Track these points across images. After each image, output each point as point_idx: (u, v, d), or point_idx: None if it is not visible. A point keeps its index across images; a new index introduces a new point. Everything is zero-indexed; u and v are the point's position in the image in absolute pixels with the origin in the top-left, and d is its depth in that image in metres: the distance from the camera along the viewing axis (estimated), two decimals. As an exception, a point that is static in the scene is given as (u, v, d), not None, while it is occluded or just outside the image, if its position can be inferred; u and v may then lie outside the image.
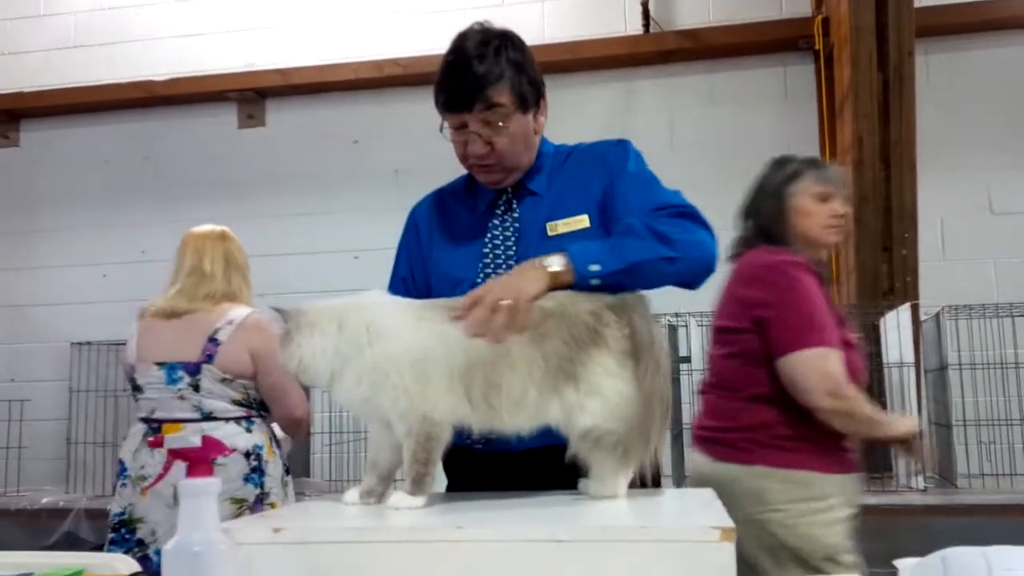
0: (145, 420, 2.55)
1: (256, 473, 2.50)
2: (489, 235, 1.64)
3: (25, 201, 4.85)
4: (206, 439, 0.98)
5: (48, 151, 4.87)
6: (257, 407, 2.61)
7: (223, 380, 2.53)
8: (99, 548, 3.14)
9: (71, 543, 3.36)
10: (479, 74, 1.51)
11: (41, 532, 3.46)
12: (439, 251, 1.71)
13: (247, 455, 2.50)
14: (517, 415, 1.33)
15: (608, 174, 1.60)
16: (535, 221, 1.62)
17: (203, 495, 1.00)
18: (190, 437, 2.46)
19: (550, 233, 1.58)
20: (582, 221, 1.58)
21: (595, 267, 1.37)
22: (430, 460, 1.31)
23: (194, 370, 2.52)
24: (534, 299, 1.33)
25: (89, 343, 3.80)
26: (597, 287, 1.37)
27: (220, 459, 2.45)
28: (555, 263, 1.37)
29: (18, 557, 1.54)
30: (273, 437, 2.63)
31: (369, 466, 1.40)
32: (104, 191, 4.77)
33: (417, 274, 1.73)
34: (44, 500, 3.55)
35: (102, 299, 4.67)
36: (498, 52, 1.53)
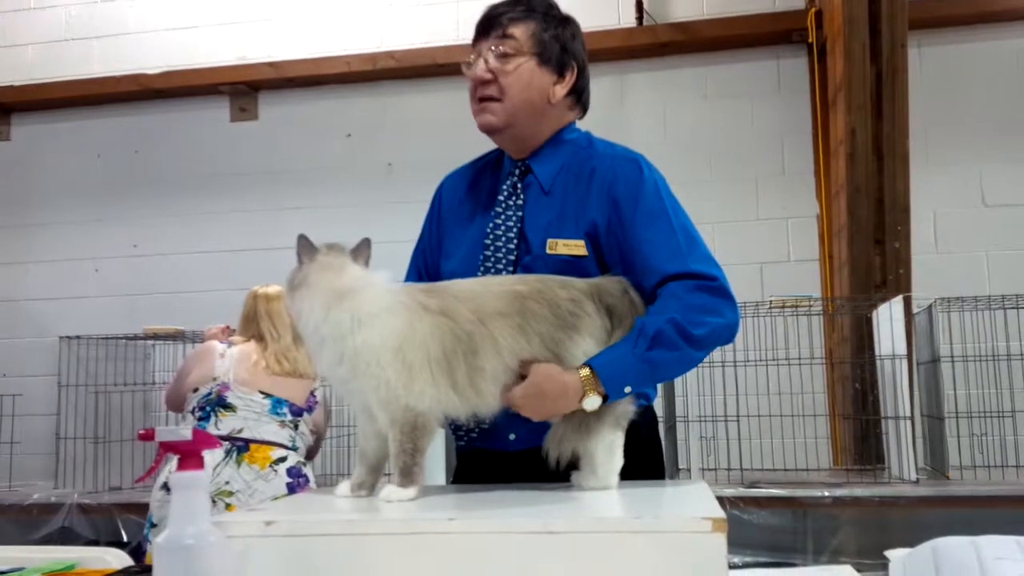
0: (228, 438, 2.68)
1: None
2: (492, 224, 1.59)
3: (16, 195, 4.82)
4: (196, 432, 0.98)
5: (39, 145, 4.85)
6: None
7: (312, 431, 2.88)
8: (92, 543, 3.14)
9: (64, 538, 3.35)
10: (505, 7, 1.58)
11: (32, 527, 3.45)
12: (449, 235, 1.69)
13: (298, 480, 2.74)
14: (503, 396, 1.34)
15: (612, 204, 1.52)
16: (538, 220, 1.57)
17: (195, 488, 1.00)
18: (275, 466, 2.66)
19: (549, 251, 1.53)
20: (580, 247, 1.51)
21: (627, 389, 1.37)
22: (417, 450, 1.30)
23: (297, 412, 2.82)
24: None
25: (78, 337, 3.79)
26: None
27: (310, 485, 2.73)
28: (590, 403, 1.34)
29: (10, 552, 1.53)
30: None
31: (359, 457, 1.40)
32: (96, 185, 4.76)
33: (432, 249, 1.71)
34: (35, 495, 3.54)
35: (95, 293, 4.66)
36: (534, 7, 1.59)
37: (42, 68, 4.81)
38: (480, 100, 1.58)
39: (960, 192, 4.07)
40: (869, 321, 3.46)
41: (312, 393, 2.90)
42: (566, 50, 1.60)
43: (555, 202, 1.57)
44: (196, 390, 2.81)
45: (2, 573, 1.39)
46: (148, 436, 1.04)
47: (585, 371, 1.34)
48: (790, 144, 4.24)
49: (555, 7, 1.64)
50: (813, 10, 4.10)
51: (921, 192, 3.82)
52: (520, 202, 1.60)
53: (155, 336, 3.84)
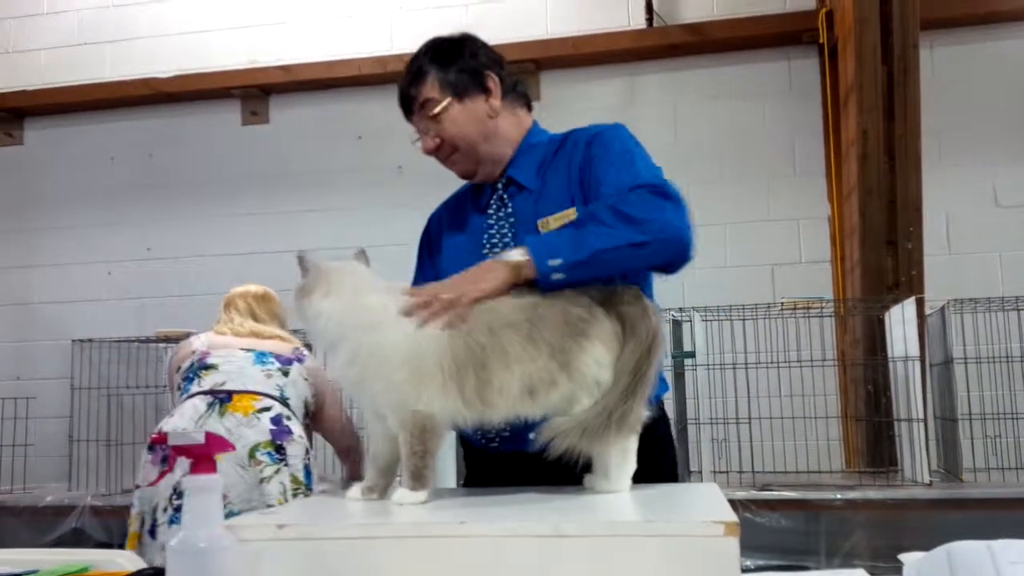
0: (209, 392, 2.59)
1: (307, 472, 2.62)
2: (486, 235, 1.65)
3: (30, 199, 4.85)
4: (209, 436, 0.98)
5: (53, 149, 4.87)
6: (309, 422, 2.84)
7: (305, 379, 2.75)
8: (105, 545, 3.15)
9: (76, 540, 3.36)
10: (407, 83, 1.65)
11: (45, 529, 3.46)
12: (445, 252, 1.72)
13: (306, 450, 2.63)
14: (510, 410, 1.33)
15: (589, 158, 1.57)
16: (529, 217, 1.61)
17: (208, 492, 1.00)
18: (259, 415, 2.55)
19: (541, 230, 1.57)
20: (570, 214, 1.54)
21: (556, 261, 1.34)
22: (427, 453, 1.30)
23: (286, 361, 2.73)
24: (486, 296, 1.34)
25: (91, 340, 3.81)
26: (562, 281, 1.35)
27: (294, 437, 2.58)
28: (514, 255, 1.37)
29: (24, 554, 1.54)
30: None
31: (370, 460, 1.40)
32: (109, 189, 4.78)
33: (432, 279, 1.73)
34: (49, 498, 3.55)
35: (107, 297, 4.69)
36: (418, 57, 1.65)
37: (55, 72, 4.84)
38: (445, 162, 1.68)
39: (973, 193, 4.05)
40: (881, 323, 3.44)
41: (297, 348, 2.82)
42: (474, 70, 1.64)
43: (539, 192, 1.62)
44: (179, 368, 2.78)
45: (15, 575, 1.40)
46: (161, 440, 1.05)
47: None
48: (801, 145, 4.23)
49: (439, 44, 1.67)
50: (824, 10, 4.09)
51: (933, 193, 3.80)
52: (509, 210, 1.65)
53: (167, 339, 3.84)
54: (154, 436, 2.60)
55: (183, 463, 2.50)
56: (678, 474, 1.75)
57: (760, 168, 4.22)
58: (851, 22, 3.75)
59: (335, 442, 2.98)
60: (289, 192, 4.58)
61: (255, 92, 4.65)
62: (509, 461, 1.59)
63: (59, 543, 3.34)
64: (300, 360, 2.78)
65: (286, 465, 2.53)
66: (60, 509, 3.48)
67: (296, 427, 2.62)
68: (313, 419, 2.87)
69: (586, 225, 1.39)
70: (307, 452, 2.64)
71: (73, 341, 3.85)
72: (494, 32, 4.47)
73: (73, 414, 3.77)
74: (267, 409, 2.58)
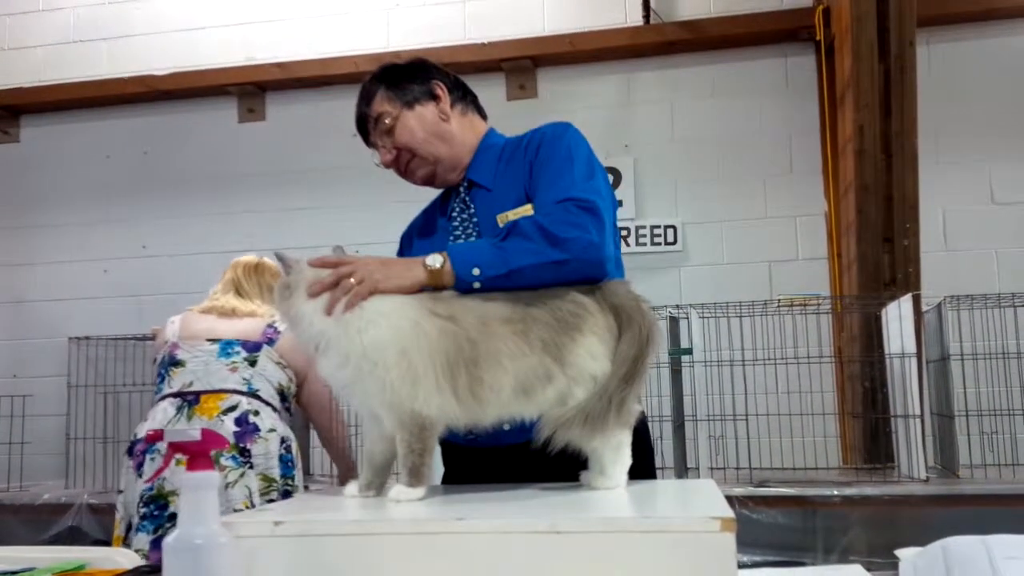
0: (178, 395, 2.57)
1: (286, 464, 2.56)
2: (451, 236, 1.69)
3: (26, 196, 4.84)
4: (206, 432, 0.98)
5: (48, 146, 4.86)
6: (290, 405, 2.71)
7: (278, 363, 2.65)
8: (101, 542, 3.15)
9: (73, 537, 3.36)
10: (361, 107, 1.74)
11: (43, 527, 3.46)
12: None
13: (282, 441, 2.57)
14: (503, 408, 1.33)
15: (535, 160, 1.62)
16: (490, 215, 1.64)
17: (204, 488, 1.00)
18: (223, 416, 2.50)
19: (501, 225, 1.59)
20: (527, 209, 1.57)
21: (476, 271, 1.38)
22: (426, 450, 1.30)
23: (253, 348, 2.64)
24: (391, 293, 1.35)
25: (87, 338, 3.80)
26: (480, 289, 1.38)
27: (261, 434, 2.52)
28: (435, 261, 1.39)
29: (20, 552, 1.54)
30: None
31: (366, 459, 1.40)
32: (104, 186, 4.77)
33: None
34: (46, 495, 3.54)
35: (103, 294, 4.68)
36: (368, 82, 1.74)
37: (50, 70, 4.83)
38: (406, 172, 1.75)
39: (969, 189, 4.05)
40: (878, 319, 3.45)
41: (270, 326, 2.69)
42: (422, 80, 1.72)
43: (499, 190, 1.67)
44: (155, 360, 2.76)
45: (13, 573, 1.40)
46: (157, 437, 1.05)
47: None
48: (798, 142, 4.23)
49: (388, 68, 1.75)
50: (820, 8, 4.09)
51: (930, 190, 3.80)
52: (472, 210, 1.70)
53: (164, 336, 3.85)
54: (133, 439, 2.60)
55: (148, 470, 2.50)
56: (654, 467, 1.76)
57: (757, 165, 4.22)
58: (848, 19, 3.75)
59: (321, 426, 2.83)
60: (286, 189, 4.58)
61: (251, 89, 4.64)
62: (486, 456, 1.60)
63: (56, 540, 3.34)
64: (271, 341, 2.66)
65: (251, 467, 2.48)
66: (57, 507, 3.47)
67: (266, 421, 2.55)
68: (297, 401, 2.77)
69: (510, 239, 1.42)
70: (283, 442, 2.57)
71: (69, 339, 3.84)
72: (491, 29, 4.51)
73: (70, 412, 3.77)
74: (233, 408, 2.53)
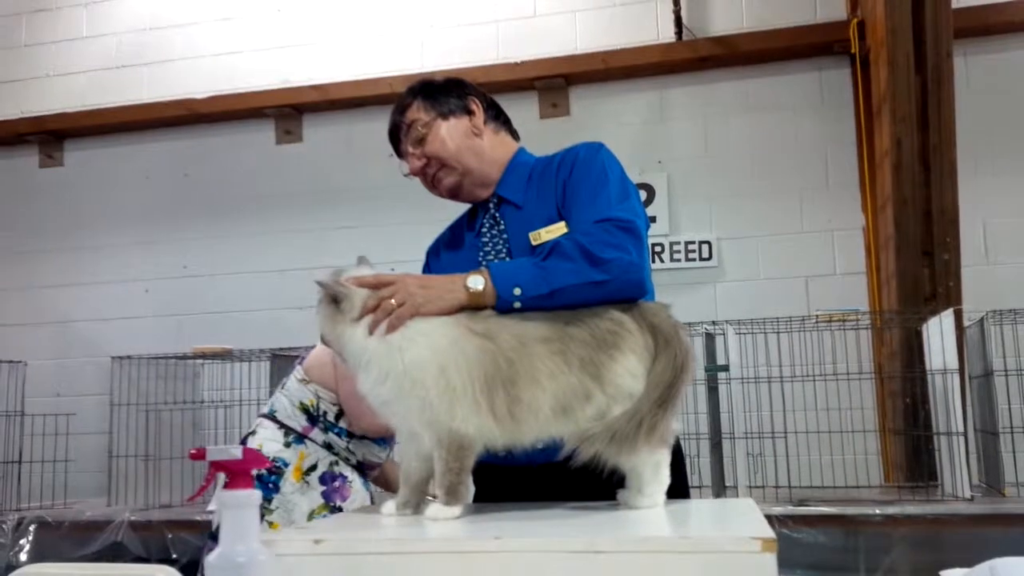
0: None
1: (266, 484, 2.37)
2: (481, 252, 1.69)
3: (69, 219, 4.95)
4: (247, 451, 1.00)
5: (92, 169, 4.97)
6: (322, 422, 2.48)
7: (301, 380, 2.49)
8: (143, 559, 3.19)
9: (115, 554, 3.41)
10: (396, 115, 1.76)
11: (85, 543, 3.51)
12: (444, 271, 1.74)
13: (284, 466, 2.43)
14: (542, 428, 1.32)
15: (570, 180, 1.62)
16: (521, 232, 1.64)
17: (245, 507, 1.01)
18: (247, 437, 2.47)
19: (534, 243, 1.60)
20: (561, 228, 1.58)
21: (517, 291, 1.38)
22: (463, 469, 1.31)
23: (291, 369, 2.59)
24: (433, 315, 1.35)
25: (130, 357, 3.87)
26: (520, 309, 1.38)
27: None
28: (477, 283, 1.39)
29: (64, 568, 1.56)
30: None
31: (402, 478, 1.41)
32: (146, 208, 4.86)
33: None
34: (88, 512, 3.60)
35: (145, 314, 4.76)
36: (405, 94, 1.76)
37: (94, 95, 4.95)
38: (433, 183, 1.76)
39: (1010, 202, 3.99)
40: (919, 335, 3.40)
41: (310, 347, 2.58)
42: (459, 95, 1.74)
43: (530, 208, 1.67)
44: None
45: (58, 590, 1.42)
46: (199, 455, 1.07)
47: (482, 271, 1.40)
48: (834, 156, 4.20)
49: (426, 82, 1.78)
50: (855, 20, 4.06)
51: (970, 202, 3.75)
52: (502, 227, 1.70)
53: (204, 356, 3.90)
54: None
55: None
56: (687, 486, 1.75)
57: (793, 180, 4.19)
58: (883, 32, 3.72)
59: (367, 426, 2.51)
60: (322, 209, 4.63)
61: (288, 111, 4.71)
62: (519, 475, 1.59)
63: (98, 557, 3.39)
64: (302, 360, 2.54)
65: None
66: (99, 524, 3.52)
67: (256, 441, 2.41)
68: (342, 416, 2.49)
69: (551, 259, 1.42)
70: (286, 468, 2.38)
71: (112, 358, 3.91)
72: (524, 48, 4.54)
73: (112, 430, 3.83)
74: (253, 433, 2.45)
